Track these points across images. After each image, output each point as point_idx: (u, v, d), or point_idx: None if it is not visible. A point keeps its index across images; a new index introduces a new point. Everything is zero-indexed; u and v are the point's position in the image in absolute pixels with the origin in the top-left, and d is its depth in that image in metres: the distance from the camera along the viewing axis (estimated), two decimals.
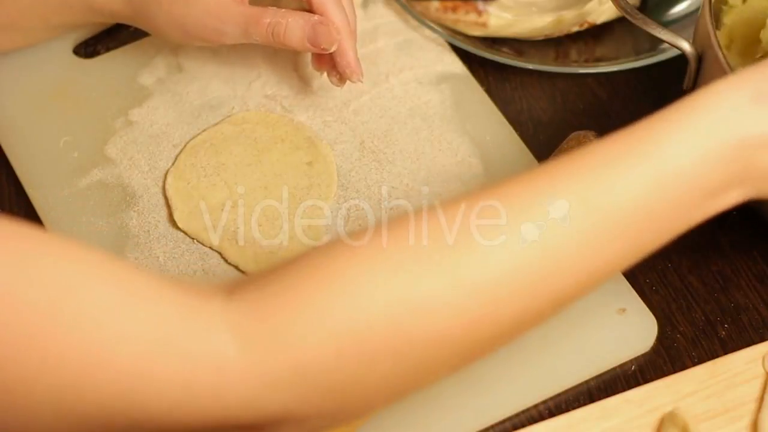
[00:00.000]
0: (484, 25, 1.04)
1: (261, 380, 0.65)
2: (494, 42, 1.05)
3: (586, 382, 0.88)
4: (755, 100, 0.71)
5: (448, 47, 1.04)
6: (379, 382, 0.68)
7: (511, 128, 1.00)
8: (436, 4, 1.04)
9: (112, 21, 0.96)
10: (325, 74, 0.98)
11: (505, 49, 1.04)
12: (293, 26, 0.92)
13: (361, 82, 0.96)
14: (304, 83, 1.02)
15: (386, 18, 1.06)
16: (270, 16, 0.92)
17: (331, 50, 0.94)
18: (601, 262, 0.71)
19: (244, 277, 0.71)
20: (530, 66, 1.03)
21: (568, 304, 0.72)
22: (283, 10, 0.93)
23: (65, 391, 0.62)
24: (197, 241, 0.93)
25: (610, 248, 0.71)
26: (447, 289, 0.67)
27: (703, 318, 0.92)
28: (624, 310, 0.90)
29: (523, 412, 0.87)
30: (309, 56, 0.99)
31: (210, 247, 0.93)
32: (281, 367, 0.66)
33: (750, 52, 0.94)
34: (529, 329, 0.72)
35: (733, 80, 0.72)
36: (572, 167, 0.71)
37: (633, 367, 0.89)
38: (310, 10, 0.94)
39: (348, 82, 0.97)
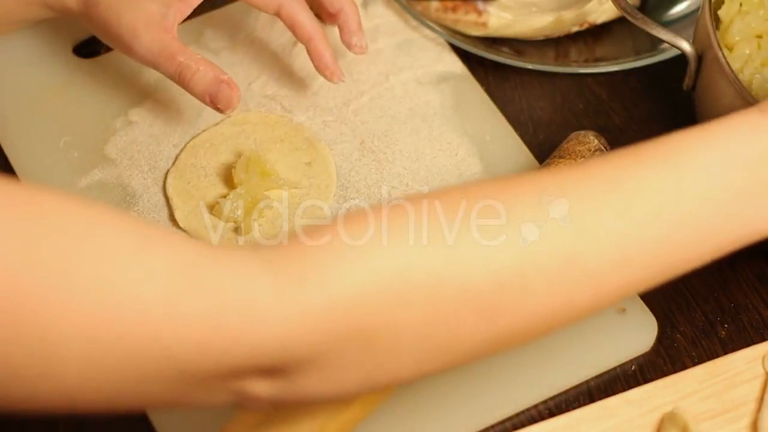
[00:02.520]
0: (484, 25, 1.04)
1: (293, 314, 0.65)
2: (494, 42, 1.05)
3: (586, 382, 0.88)
4: (764, 112, 0.73)
5: (448, 47, 1.04)
6: (410, 333, 0.68)
7: (510, 128, 1.00)
8: (436, 4, 1.04)
9: (63, 16, 0.96)
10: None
11: (504, 49, 1.04)
12: (201, 75, 0.93)
13: (342, 81, 0.97)
14: (304, 84, 1.02)
15: (386, 18, 1.06)
16: (185, 56, 0.92)
17: (227, 113, 0.94)
18: (634, 256, 0.71)
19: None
20: (530, 66, 1.03)
21: (595, 304, 0.72)
22: (199, 56, 0.93)
23: (91, 333, 0.61)
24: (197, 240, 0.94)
25: (641, 241, 0.71)
26: (482, 244, 0.68)
27: (703, 318, 0.92)
28: (624, 310, 0.90)
29: (523, 412, 0.87)
30: (309, 57, 0.99)
31: None
32: (315, 302, 0.65)
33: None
34: (558, 321, 0.72)
35: (749, 108, 0.74)
36: (597, 165, 0.73)
37: (633, 367, 0.89)
38: (278, 16, 0.95)
39: (348, 78, 0.97)
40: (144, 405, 0.66)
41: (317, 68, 0.96)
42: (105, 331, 0.62)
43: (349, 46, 0.97)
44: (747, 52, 0.93)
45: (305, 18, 0.95)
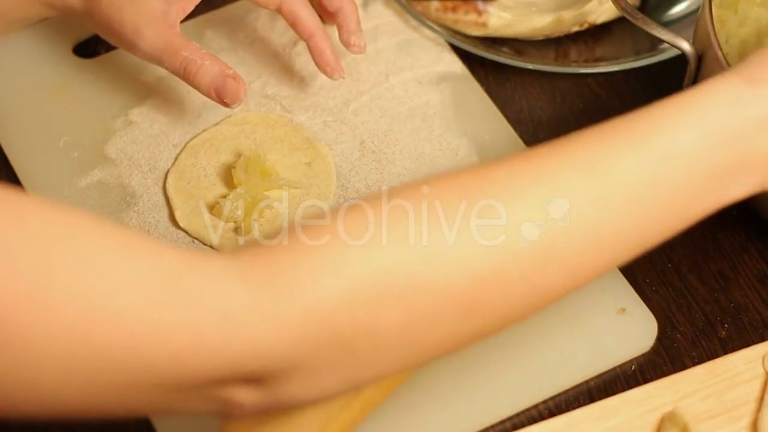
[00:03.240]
0: (484, 25, 1.04)
1: (271, 325, 0.64)
2: (494, 42, 1.05)
3: (586, 382, 0.88)
4: (751, 83, 0.73)
5: (448, 47, 1.04)
6: (389, 335, 0.67)
7: (510, 128, 1.00)
8: (436, 4, 1.04)
9: (65, 15, 0.97)
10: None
11: (505, 49, 1.04)
12: (206, 70, 0.92)
13: (343, 78, 0.97)
14: (304, 83, 1.02)
15: (386, 18, 1.06)
16: (189, 51, 0.93)
17: (233, 107, 0.94)
18: (608, 240, 0.71)
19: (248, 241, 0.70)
20: (530, 66, 1.03)
21: (572, 285, 0.72)
22: (205, 51, 0.93)
23: (68, 342, 0.61)
24: (197, 240, 0.94)
25: (616, 225, 0.71)
26: (458, 243, 0.68)
27: (703, 318, 0.92)
28: (624, 310, 0.90)
29: (523, 412, 0.87)
30: (309, 57, 0.99)
31: (210, 247, 0.93)
32: (292, 311, 0.65)
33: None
34: (536, 307, 0.72)
35: (729, 72, 0.74)
36: (575, 146, 0.72)
37: (633, 367, 0.89)
38: (280, 12, 0.95)
39: (349, 78, 0.97)
40: (127, 411, 0.66)
41: (318, 65, 0.96)
42: (82, 340, 0.61)
43: (347, 46, 0.97)
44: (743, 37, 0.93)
45: (307, 14, 0.95)
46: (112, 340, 0.62)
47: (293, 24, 0.95)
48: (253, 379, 0.66)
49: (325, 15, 0.98)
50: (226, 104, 0.93)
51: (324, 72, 0.97)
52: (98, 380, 0.63)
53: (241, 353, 0.64)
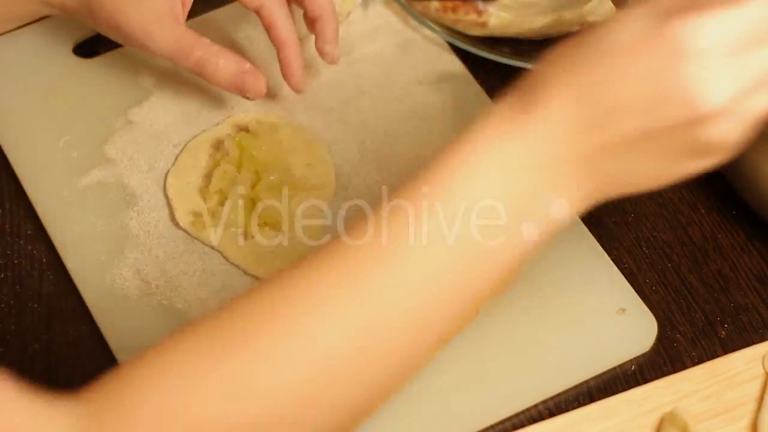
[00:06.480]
0: (483, 25, 1.04)
1: None
2: (494, 42, 1.05)
3: (586, 382, 0.88)
4: (523, 111, 0.71)
5: (448, 47, 1.05)
6: None
7: None
8: (436, 4, 1.04)
9: (61, 14, 0.97)
10: (324, 74, 0.99)
11: (505, 49, 1.04)
12: (223, 69, 0.93)
13: (304, 91, 0.97)
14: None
15: (386, 18, 1.06)
16: (202, 49, 0.93)
17: (256, 99, 0.95)
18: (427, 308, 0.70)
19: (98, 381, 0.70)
20: (530, 66, 1.03)
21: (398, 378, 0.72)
22: (216, 47, 0.94)
23: None
24: (197, 240, 0.94)
25: (437, 307, 0.70)
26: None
27: (703, 318, 0.92)
28: (624, 310, 0.90)
29: (523, 412, 0.87)
30: (309, 57, 0.99)
31: (210, 247, 0.93)
32: None
33: None
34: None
35: (499, 105, 0.72)
36: (344, 265, 0.71)
37: (633, 367, 0.89)
38: (258, 15, 0.95)
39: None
40: None
41: (284, 75, 0.97)
42: None
43: (321, 54, 0.97)
44: None
45: (282, 23, 0.95)
46: None
47: (268, 29, 0.95)
48: None
49: (307, 21, 0.98)
50: (248, 98, 0.95)
51: (288, 83, 0.97)
52: None
53: None
